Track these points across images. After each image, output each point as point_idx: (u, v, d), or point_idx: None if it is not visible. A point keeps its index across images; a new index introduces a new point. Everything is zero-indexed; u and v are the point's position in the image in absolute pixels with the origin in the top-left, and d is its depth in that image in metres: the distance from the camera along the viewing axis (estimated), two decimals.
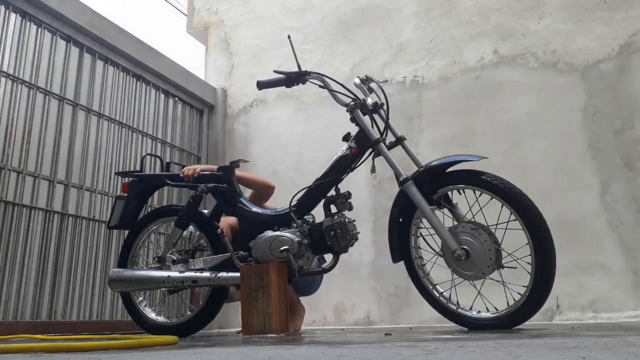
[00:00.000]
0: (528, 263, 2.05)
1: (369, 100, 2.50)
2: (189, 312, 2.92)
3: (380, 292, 3.94)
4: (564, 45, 3.79)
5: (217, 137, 4.90)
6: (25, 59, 3.27)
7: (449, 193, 2.31)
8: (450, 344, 1.38)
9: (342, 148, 2.50)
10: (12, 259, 3.03)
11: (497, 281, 2.14)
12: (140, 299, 2.84)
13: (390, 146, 2.41)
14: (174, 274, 2.62)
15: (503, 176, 2.16)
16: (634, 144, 3.45)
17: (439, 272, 2.39)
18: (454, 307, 2.28)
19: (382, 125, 2.48)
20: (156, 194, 4.08)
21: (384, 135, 2.45)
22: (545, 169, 3.62)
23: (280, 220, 2.55)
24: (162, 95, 4.46)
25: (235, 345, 1.78)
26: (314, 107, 4.52)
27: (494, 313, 2.17)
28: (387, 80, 3.68)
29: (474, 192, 2.21)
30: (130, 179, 2.84)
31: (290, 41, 2.54)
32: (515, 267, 2.09)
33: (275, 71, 2.58)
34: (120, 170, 3.83)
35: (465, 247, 2.15)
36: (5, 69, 3.13)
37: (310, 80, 2.56)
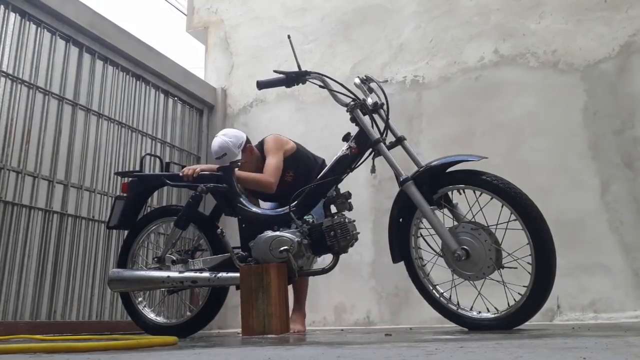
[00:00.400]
0: (528, 263, 2.05)
1: (369, 100, 2.49)
2: (188, 313, 2.92)
3: (380, 292, 3.94)
4: (564, 45, 3.79)
5: None
6: (25, 58, 3.27)
7: (449, 193, 2.30)
8: (450, 345, 1.38)
9: (342, 148, 2.50)
10: (11, 259, 3.03)
11: (497, 281, 2.14)
12: (140, 299, 2.84)
13: (390, 146, 2.41)
14: (173, 274, 2.61)
15: (503, 176, 2.15)
16: (634, 144, 3.45)
17: (439, 273, 2.39)
18: (454, 308, 2.27)
19: (382, 125, 2.48)
20: (156, 194, 4.08)
21: (384, 135, 2.45)
22: (545, 169, 3.62)
23: (280, 220, 2.55)
24: (162, 95, 4.46)
25: (235, 345, 1.78)
26: (314, 107, 4.52)
27: (495, 313, 2.17)
28: (387, 80, 3.68)
29: (474, 192, 2.21)
30: (130, 179, 2.84)
31: (290, 41, 2.54)
32: (516, 267, 2.09)
33: (275, 71, 2.58)
34: (120, 170, 3.83)
35: (465, 247, 2.15)
36: (4, 68, 3.12)
37: (310, 80, 2.55)
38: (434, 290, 2.33)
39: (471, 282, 2.20)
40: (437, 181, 2.25)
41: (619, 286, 3.29)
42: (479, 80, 4.00)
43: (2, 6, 3.16)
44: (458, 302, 2.29)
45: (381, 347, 1.41)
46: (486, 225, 2.15)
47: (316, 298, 4.06)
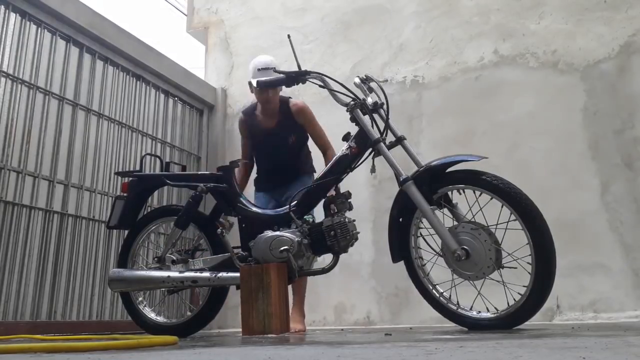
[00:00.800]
0: (528, 263, 2.05)
1: (369, 100, 2.50)
2: (189, 312, 2.92)
3: (380, 292, 3.94)
4: (564, 45, 3.79)
5: (217, 137, 4.90)
6: (25, 58, 3.27)
7: (449, 193, 2.30)
8: (450, 344, 1.38)
9: (342, 148, 2.50)
10: (11, 259, 3.03)
11: (497, 281, 2.14)
12: (140, 299, 2.84)
13: (390, 146, 2.41)
14: (173, 274, 2.61)
15: (503, 176, 2.15)
16: (634, 144, 3.45)
17: (439, 272, 2.39)
18: (454, 307, 2.27)
19: (382, 125, 2.48)
20: (156, 193, 4.08)
21: (384, 135, 2.45)
22: (545, 169, 3.62)
23: (280, 220, 2.55)
24: (162, 95, 4.46)
25: (235, 345, 1.78)
26: (314, 107, 4.46)
27: (494, 313, 2.17)
28: (387, 80, 3.68)
29: (474, 192, 2.21)
30: (130, 178, 2.84)
31: (290, 41, 2.54)
32: (515, 267, 2.09)
33: (275, 71, 2.58)
34: (120, 170, 3.83)
35: (465, 247, 2.15)
36: (5, 68, 3.13)
37: (310, 79, 2.56)
38: (433, 290, 2.33)
39: (471, 282, 2.20)
40: (437, 181, 2.25)
41: (619, 286, 3.29)
42: (479, 80, 4.00)
43: (2, 6, 3.17)
44: (458, 301, 2.29)
45: (381, 346, 1.41)
46: (486, 225, 2.15)
47: (316, 298, 4.06)
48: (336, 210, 2.47)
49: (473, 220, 2.20)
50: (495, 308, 2.18)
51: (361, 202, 3.84)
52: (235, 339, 2.31)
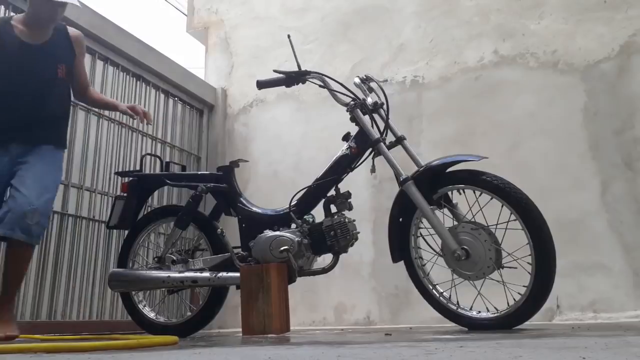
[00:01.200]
0: (528, 263, 2.06)
1: (369, 100, 2.50)
2: (189, 312, 2.92)
3: (380, 292, 3.94)
4: (564, 45, 3.79)
5: (217, 137, 4.89)
6: None
7: (449, 193, 2.31)
8: (450, 344, 1.38)
9: (342, 148, 2.50)
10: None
11: (497, 281, 2.14)
12: (140, 299, 2.84)
13: (390, 146, 2.42)
14: (173, 274, 2.62)
15: (503, 176, 2.16)
16: (634, 144, 3.45)
17: (439, 272, 2.39)
18: (454, 307, 2.28)
19: (382, 125, 2.49)
20: (156, 194, 4.08)
21: (384, 135, 2.45)
22: (545, 169, 3.62)
23: (280, 220, 2.55)
24: (162, 95, 4.46)
25: (235, 345, 1.78)
26: (314, 107, 4.52)
27: (494, 313, 2.17)
28: (387, 80, 3.68)
29: (474, 192, 2.21)
30: (130, 178, 2.84)
31: (290, 41, 2.54)
32: (515, 267, 2.09)
33: (275, 71, 2.58)
34: (120, 170, 3.83)
35: (465, 247, 2.15)
36: None
37: (310, 80, 2.56)
38: (433, 290, 2.33)
39: (471, 282, 2.20)
40: (437, 181, 2.26)
41: (619, 286, 3.29)
42: (479, 81, 4.00)
43: (2, 6, 3.16)
44: (458, 301, 2.29)
45: (381, 346, 1.41)
46: (486, 225, 2.16)
47: (316, 298, 4.06)
48: (336, 210, 2.47)
49: (473, 220, 2.21)
50: (495, 308, 2.18)
51: (361, 202, 3.84)
52: (235, 339, 2.31)
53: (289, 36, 2.58)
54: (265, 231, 2.52)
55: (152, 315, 2.82)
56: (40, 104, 2.35)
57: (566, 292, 3.34)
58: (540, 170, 3.62)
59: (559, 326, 2.59)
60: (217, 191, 2.70)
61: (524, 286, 2.08)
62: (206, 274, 2.57)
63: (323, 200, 2.50)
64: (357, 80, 2.56)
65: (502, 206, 2.11)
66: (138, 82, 4.18)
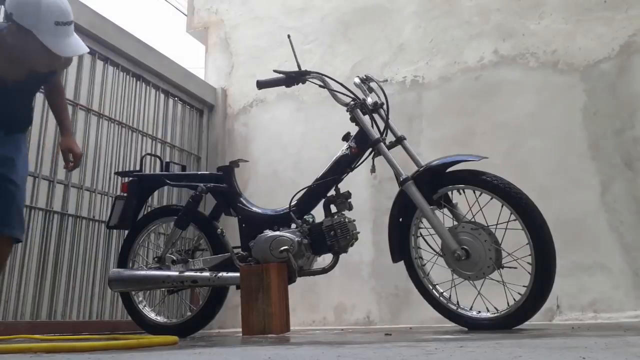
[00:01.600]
0: (528, 263, 2.06)
1: (369, 100, 2.50)
2: (189, 312, 2.92)
3: (380, 292, 3.94)
4: (564, 45, 3.79)
5: (217, 137, 4.89)
6: None
7: (449, 193, 2.31)
8: (450, 344, 1.38)
9: (342, 148, 2.50)
10: (12, 259, 3.02)
11: (497, 281, 2.14)
12: (140, 299, 2.84)
13: (390, 146, 2.42)
14: (174, 274, 2.62)
15: (503, 176, 2.16)
16: (634, 144, 3.45)
17: (439, 272, 2.39)
18: (454, 307, 2.28)
19: (382, 125, 2.49)
20: (156, 194, 4.08)
21: (384, 135, 2.46)
22: (545, 169, 3.62)
23: (280, 220, 2.56)
24: (162, 95, 4.46)
25: (235, 345, 1.78)
26: (314, 107, 4.52)
27: (494, 313, 2.17)
28: (387, 80, 3.68)
29: (474, 192, 2.21)
30: (130, 178, 2.85)
31: (290, 41, 2.54)
32: (515, 267, 2.09)
33: (275, 71, 2.58)
34: (120, 170, 3.83)
35: (465, 247, 2.16)
36: None
37: (310, 80, 2.56)
38: (433, 290, 2.33)
39: (471, 281, 2.20)
40: (437, 181, 2.26)
41: (618, 286, 3.29)
42: (479, 80, 4.00)
43: (2, 6, 3.16)
44: (458, 301, 2.29)
45: (381, 346, 1.41)
46: (486, 225, 2.16)
47: (316, 298, 4.06)
48: (336, 210, 2.47)
49: (473, 220, 2.21)
50: (495, 308, 2.18)
51: (361, 202, 3.84)
52: (235, 339, 2.31)
53: (289, 36, 2.58)
54: (265, 231, 2.52)
55: (152, 315, 2.82)
56: (14, 111, 2.28)
57: (566, 292, 3.34)
58: (540, 170, 3.62)
59: (559, 326, 2.59)
60: (217, 191, 2.70)
61: (524, 286, 2.08)
62: (206, 274, 2.57)
63: (323, 200, 2.50)
64: (357, 80, 2.56)
65: (502, 206, 2.11)
66: (138, 82, 4.18)
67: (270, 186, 4.44)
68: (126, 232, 2.96)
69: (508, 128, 3.80)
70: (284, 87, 2.60)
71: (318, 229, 2.45)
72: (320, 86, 2.55)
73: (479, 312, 2.23)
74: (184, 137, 4.66)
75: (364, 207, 3.99)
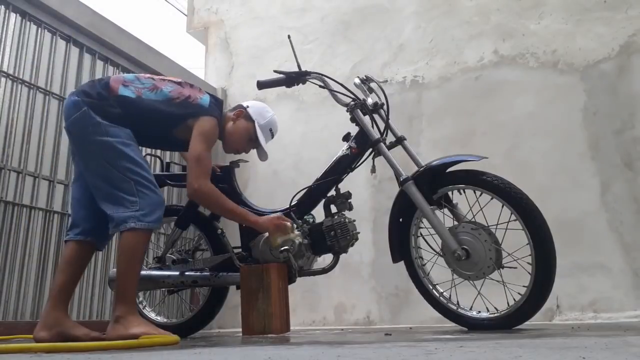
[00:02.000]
0: (528, 263, 2.06)
1: (369, 100, 2.50)
2: (189, 312, 2.92)
3: (380, 292, 3.94)
4: (564, 45, 3.79)
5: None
6: (25, 58, 3.26)
7: (449, 193, 2.31)
8: (450, 344, 1.38)
9: (342, 148, 2.50)
10: (12, 259, 3.03)
11: (497, 281, 2.14)
12: (140, 299, 2.84)
13: (390, 146, 2.42)
14: (173, 274, 2.62)
15: (503, 176, 2.16)
16: (634, 144, 3.45)
17: (439, 272, 2.39)
18: (454, 307, 2.28)
19: (382, 125, 2.49)
20: None
21: (384, 135, 2.46)
22: (545, 169, 3.62)
23: None
24: None
25: (235, 345, 1.78)
26: (314, 107, 4.52)
27: (494, 313, 2.17)
28: (387, 80, 3.68)
29: (474, 192, 2.21)
30: None
31: (290, 41, 2.54)
32: (515, 267, 2.09)
33: (275, 71, 2.58)
34: None
35: (465, 247, 2.16)
36: (5, 68, 3.12)
37: (310, 80, 2.56)
38: (433, 290, 2.34)
39: (471, 282, 2.20)
40: (437, 181, 2.26)
41: (618, 286, 3.29)
42: (479, 80, 4.00)
43: (2, 6, 3.17)
44: (458, 301, 2.30)
45: (381, 346, 1.41)
46: (486, 225, 2.16)
47: (316, 298, 4.06)
48: (336, 211, 2.47)
49: (473, 220, 2.21)
50: (495, 308, 2.18)
51: (361, 202, 3.85)
52: (235, 339, 2.31)
53: (289, 36, 2.58)
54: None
55: (152, 315, 2.82)
56: None
57: (566, 292, 3.34)
58: (540, 170, 3.63)
59: (559, 326, 2.60)
60: None
61: (524, 286, 2.08)
62: (206, 274, 2.57)
63: (323, 200, 2.50)
64: (357, 80, 2.56)
65: (502, 206, 2.11)
66: None
67: (270, 186, 4.44)
68: None
69: (508, 128, 3.81)
70: (284, 87, 2.60)
71: (318, 229, 2.45)
72: (320, 86, 2.55)
73: (479, 312, 2.23)
74: None
75: (364, 207, 4.00)
